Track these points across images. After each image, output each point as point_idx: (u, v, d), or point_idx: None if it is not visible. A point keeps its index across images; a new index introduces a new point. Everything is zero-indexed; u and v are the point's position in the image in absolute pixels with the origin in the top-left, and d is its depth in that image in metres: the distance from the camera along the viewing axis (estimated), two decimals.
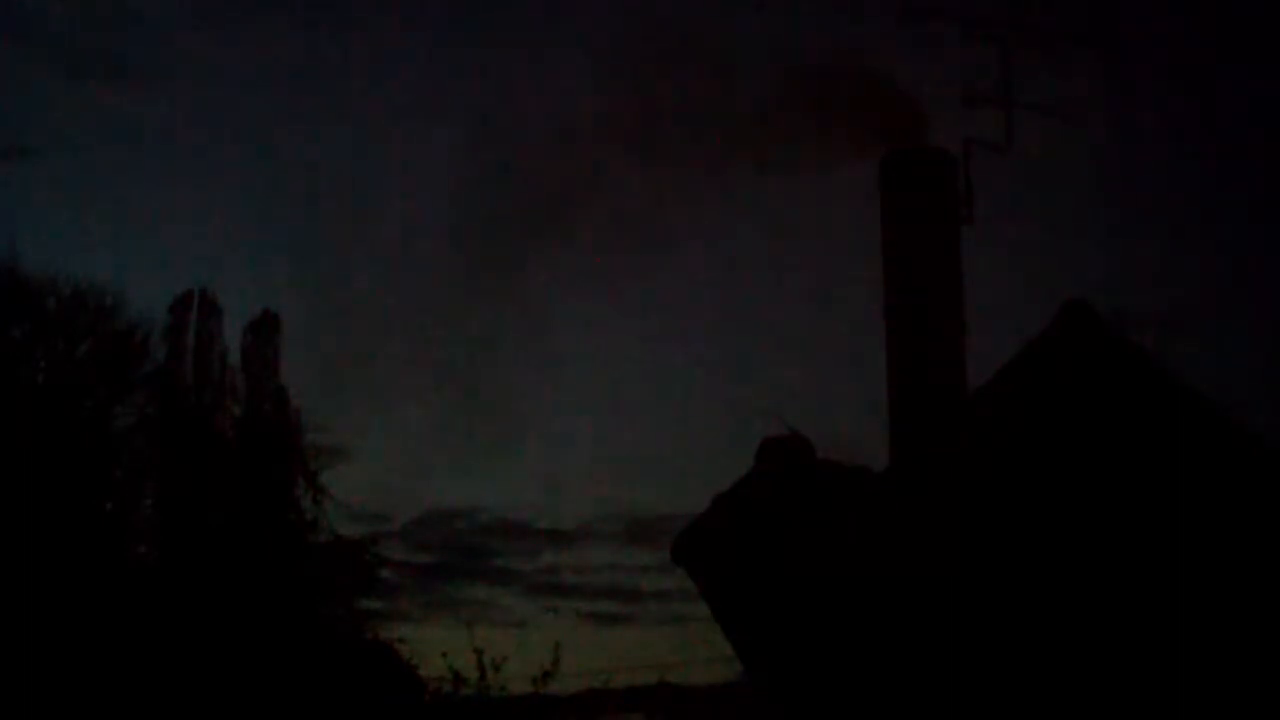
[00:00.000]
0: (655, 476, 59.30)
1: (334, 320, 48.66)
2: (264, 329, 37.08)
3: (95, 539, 32.57)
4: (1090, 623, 14.40)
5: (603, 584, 62.65)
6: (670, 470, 60.09)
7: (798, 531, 15.49)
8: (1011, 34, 17.28)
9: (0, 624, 29.05)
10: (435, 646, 25.09)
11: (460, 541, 52.07)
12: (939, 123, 17.78)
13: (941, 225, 16.68)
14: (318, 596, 35.50)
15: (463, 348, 45.04)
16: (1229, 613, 14.31)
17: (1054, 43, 17.45)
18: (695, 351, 63.05)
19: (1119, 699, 14.29)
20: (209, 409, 36.31)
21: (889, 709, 14.83)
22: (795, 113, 19.23)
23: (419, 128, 61.17)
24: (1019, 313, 17.73)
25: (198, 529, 34.36)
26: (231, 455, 35.69)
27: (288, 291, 53.83)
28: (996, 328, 17.35)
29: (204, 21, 58.79)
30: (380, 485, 50.56)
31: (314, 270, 51.16)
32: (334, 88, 60.77)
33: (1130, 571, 14.46)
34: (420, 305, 49.19)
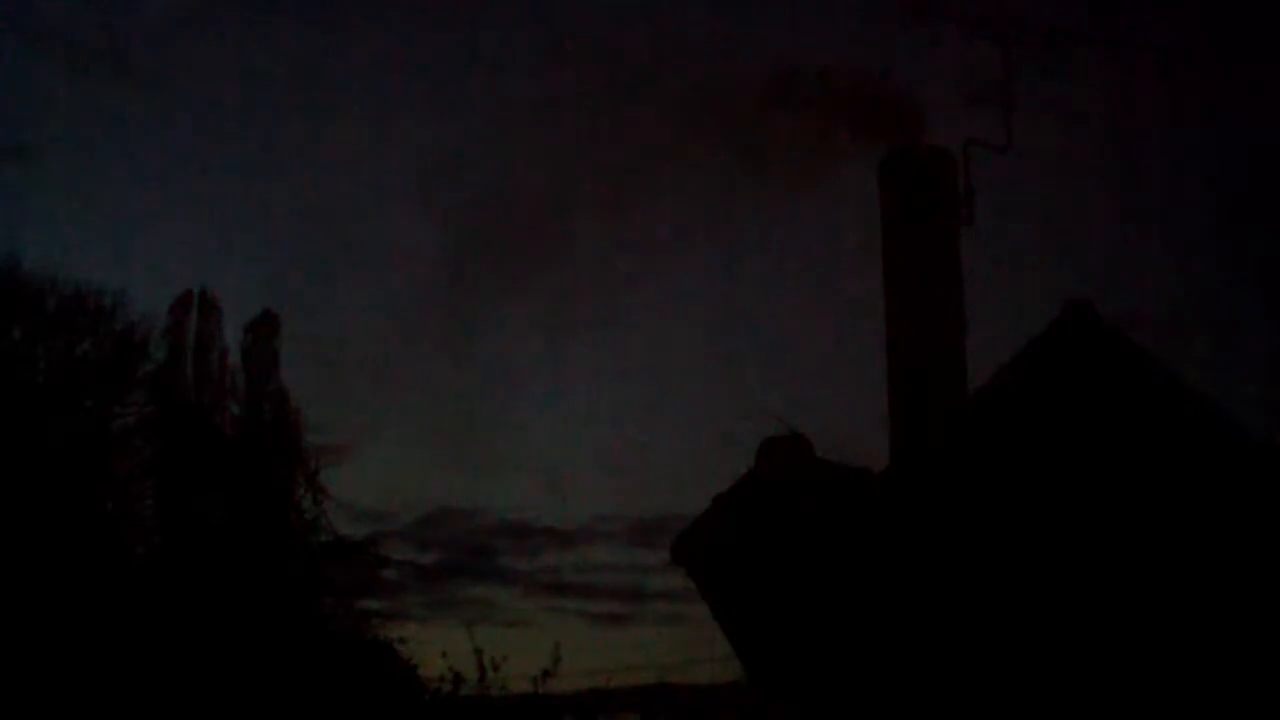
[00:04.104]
0: (657, 477, 59.36)
1: (334, 320, 48.75)
2: (264, 329, 37.10)
3: (95, 538, 32.56)
4: (1091, 621, 14.41)
5: (604, 584, 62.74)
6: (671, 470, 60.13)
7: (797, 532, 15.49)
8: (1011, 34, 17.27)
9: (1, 623, 29.06)
10: (437, 646, 25.07)
11: (463, 541, 52.10)
12: (939, 123, 17.77)
13: (941, 225, 16.67)
14: (318, 596, 35.51)
15: (465, 347, 45.08)
16: (1228, 610, 14.31)
17: (1054, 43, 17.44)
18: (696, 352, 63.06)
19: (1119, 697, 14.29)
20: (209, 409, 36.33)
21: (888, 708, 14.83)
22: (794, 113, 19.23)
23: (419, 127, 61.20)
24: (1019, 313, 17.74)
25: (198, 529, 34.36)
26: (231, 455, 35.70)
27: (288, 291, 53.90)
28: (996, 328, 17.35)
29: (204, 21, 58.83)
30: (383, 485, 50.66)
31: (314, 270, 51.28)
32: (333, 88, 60.82)
33: (1130, 570, 14.46)
34: (421, 305, 49.25)
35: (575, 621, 54.29)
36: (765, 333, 59.46)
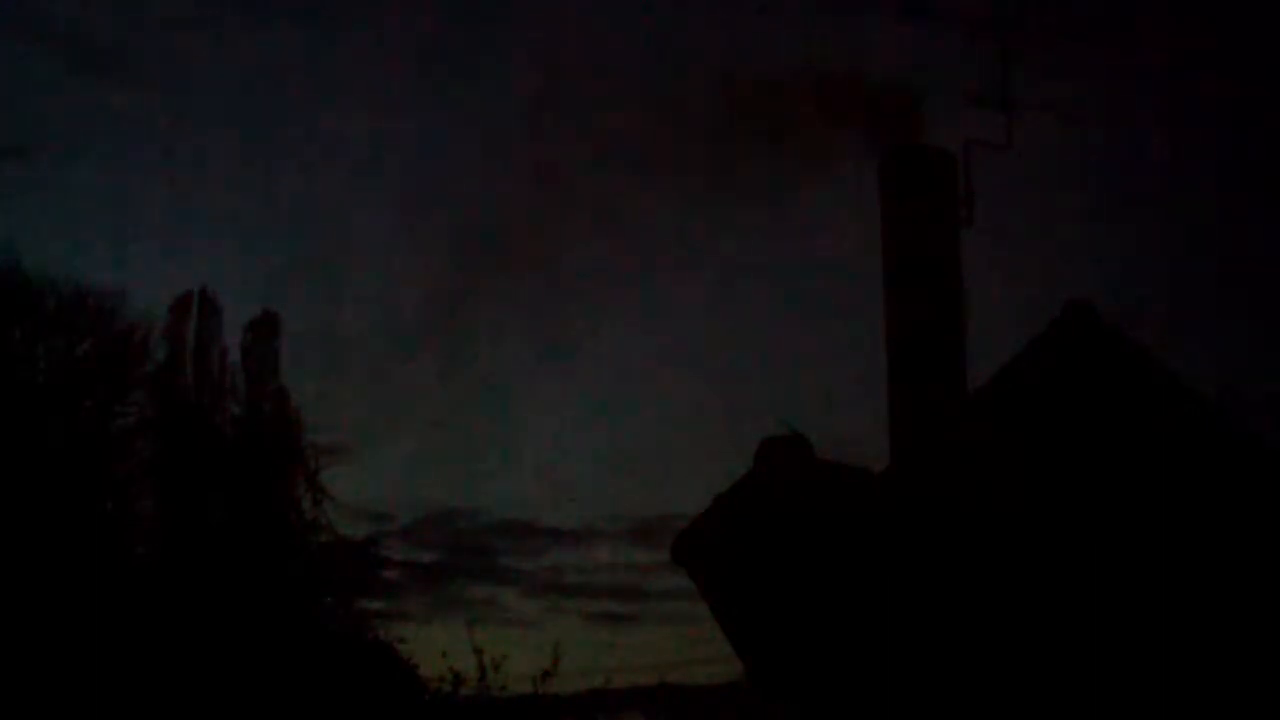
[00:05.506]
0: (658, 476, 59.34)
1: (334, 320, 48.72)
2: (264, 329, 37.09)
3: (95, 538, 32.56)
4: (1091, 621, 14.41)
5: (604, 584, 62.60)
6: (672, 470, 60.11)
7: (798, 532, 15.49)
8: (1011, 34, 17.30)
9: (1, 623, 29.06)
10: (438, 646, 25.09)
11: (463, 541, 52.06)
12: (939, 123, 17.79)
13: (941, 225, 16.68)
14: (318, 596, 35.51)
15: (466, 347, 45.09)
16: (1228, 610, 14.32)
17: (1054, 43, 17.46)
18: (697, 352, 63.10)
19: (1119, 697, 14.29)
20: (209, 409, 36.32)
21: (887, 707, 14.84)
22: (795, 113, 19.25)
23: (419, 128, 61.24)
24: (1019, 313, 17.75)
25: (198, 528, 34.36)
26: (231, 455, 35.69)
27: (288, 291, 53.85)
28: (996, 328, 17.36)
29: (205, 21, 58.79)
30: (383, 485, 50.65)
31: (314, 270, 51.25)
32: (333, 89, 60.83)
33: (1131, 569, 14.46)
34: (422, 304, 49.22)
35: (575, 621, 54.28)
36: (765, 333, 59.52)
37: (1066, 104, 17.81)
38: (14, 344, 34.13)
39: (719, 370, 64.11)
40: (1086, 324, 15.76)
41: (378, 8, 59.95)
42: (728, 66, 21.19)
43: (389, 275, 59.44)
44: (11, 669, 28.45)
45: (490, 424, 54.60)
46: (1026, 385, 15.57)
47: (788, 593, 15.40)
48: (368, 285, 56.78)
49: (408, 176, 63.31)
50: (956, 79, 17.47)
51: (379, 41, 60.47)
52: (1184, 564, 14.40)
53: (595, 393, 62.36)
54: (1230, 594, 14.35)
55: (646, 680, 36.66)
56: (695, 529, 16.32)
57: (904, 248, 16.63)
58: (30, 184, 57.63)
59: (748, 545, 15.76)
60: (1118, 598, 14.42)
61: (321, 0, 59.20)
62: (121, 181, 61.89)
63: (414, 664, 31.94)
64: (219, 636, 30.42)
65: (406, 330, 48.62)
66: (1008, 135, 17.09)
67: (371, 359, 47.73)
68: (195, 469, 34.85)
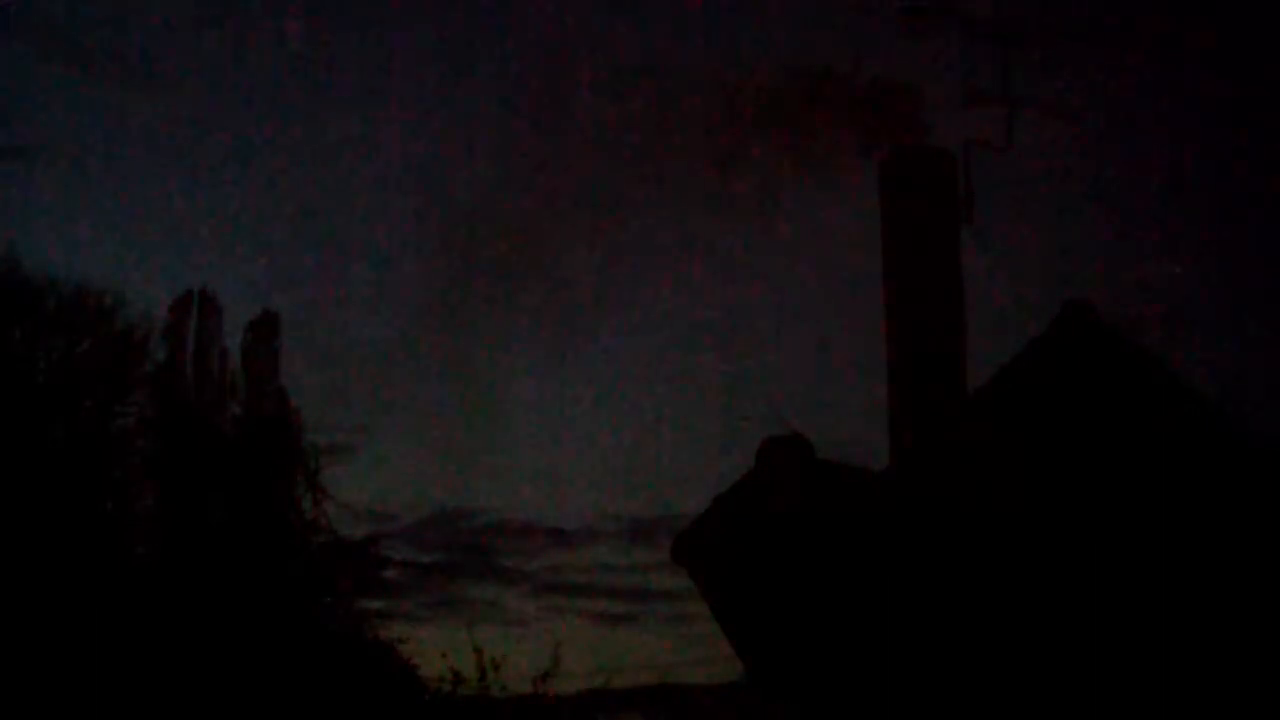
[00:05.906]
0: (657, 477, 59.34)
1: (334, 320, 48.76)
2: (264, 329, 37.12)
3: (95, 538, 32.56)
4: (1091, 623, 14.41)
5: (604, 584, 62.58)
6: (671, 470, 60.09)
7: (797, 531, 15.49)
8: (1011, 34, 17.28)
9: (1, 623, 29.06)
10: (439, 646, 25.15)
11: (463, 541, 52.05)
12: (939, 123, 17.78)
13: (941, 225, 16.67)
14: (318, 596, 35.51)
15: (465, 346, 45.05)
16: (1228, 612, 14.32)
17: (1054, 43, 17.45)
18: (697, 352, 63.01)
19: (1119, 698, 14.29)
20: (209, 408, 36.33)
21: (889, 709, 14.84)
22: (794, 113, 19.24)
23: (420, 128, 61.20)
24: (1019, 313, 17.74)
25: (198, 529, 34.37)
26: (231, 455, 35.70)
27: (288, 291, 53.87)
28: (996, 328, 17.36)
29: (205, 21, 58.72)
30: (383, 485, 50.65)
31: (314, 270, 51.30)
32: (334, 88, 60.77)
33: (1130, 571, 14.46)
34: (422, 304, 49.18)
35: (576, 621, 54.26)
36: (764, 333, 59.48)
37: (1066, 104, 17.78)
38: (14, 344, 34.14)
39: (719, 370, 64.06)
40: (1086, 324, 15.76)
41: (378, 7, 59.90)
42: (727, 66, 21.15)
43: (389, 275, 59.41)
44: (12, 669, 28.45)
45: (490, 424, 54.54)
46: (1026, 385, 15.57)
47: (788, 593, 15.40)
48: (368, 285, 56.81)
49: (408, 176, 63.27)
50: (956, 79, 17.45)
51: (379, 41, 60.39)
52: (1184, 565, 14.40)
53: (595, 393, 62.33)
54: (1231, 595, 14.35)
55: (646, 680, 36.70)
56: (695, 529, 16.32)
57: (903, 247, 16.63)
58: (30, 184, 57.66)
59: (748, 545, 15.76)
60: (1118, 598, 14.42)
61: (321, 0, 59.14)
62: (121, 181, 61.89)
63: (414, 664, 31.98)
64: (219, 636, 30.42)
65: (406, 330, 48.61)
66: (1008, 135, 17.09)
67: (371, 359, 47.73)
68: (195, 469, 34.85)
